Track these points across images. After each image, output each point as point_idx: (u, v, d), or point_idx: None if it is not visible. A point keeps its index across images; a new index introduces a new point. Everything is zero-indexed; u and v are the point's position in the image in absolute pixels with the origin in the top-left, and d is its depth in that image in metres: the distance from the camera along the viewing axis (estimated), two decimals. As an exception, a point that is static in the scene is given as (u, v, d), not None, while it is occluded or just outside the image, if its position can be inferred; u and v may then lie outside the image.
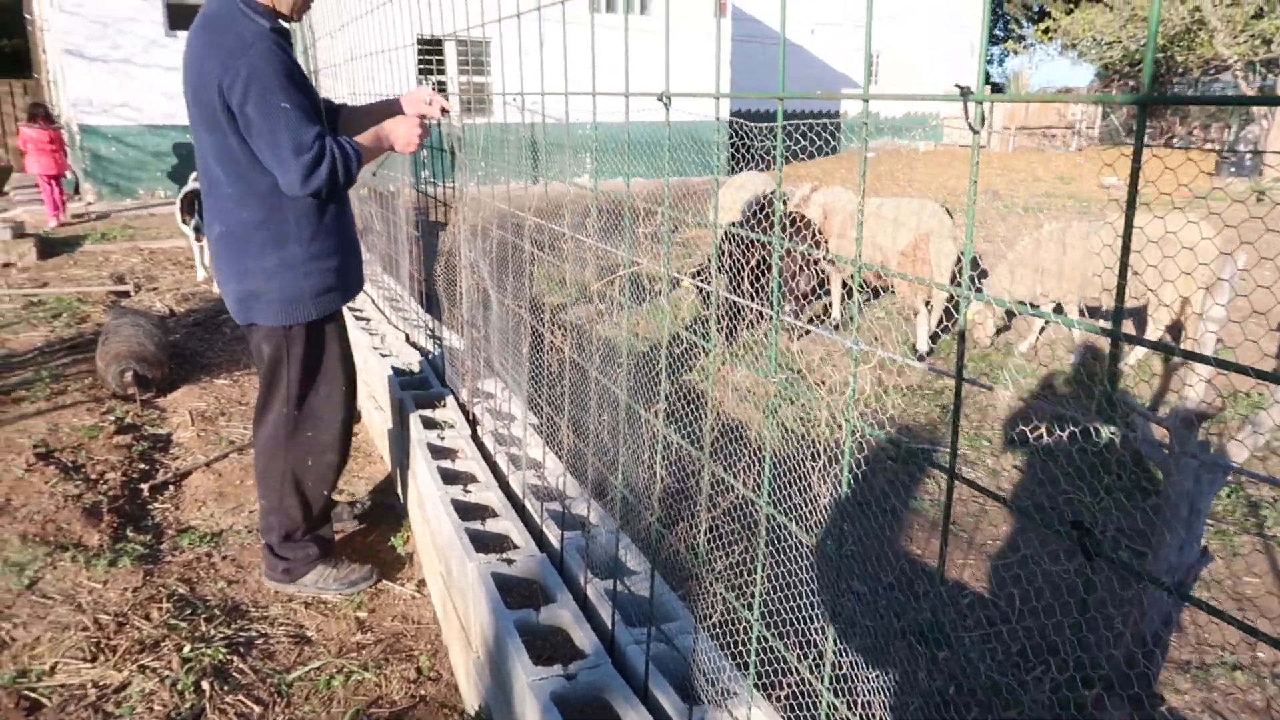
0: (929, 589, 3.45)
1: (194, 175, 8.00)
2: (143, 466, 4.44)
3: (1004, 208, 13.88)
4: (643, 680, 2.01)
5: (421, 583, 3.44)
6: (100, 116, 13.25)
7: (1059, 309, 6.61)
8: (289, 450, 3.22)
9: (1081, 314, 6.56)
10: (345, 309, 5.66)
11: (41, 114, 12.40)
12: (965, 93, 1.00)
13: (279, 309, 3.00)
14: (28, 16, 23.23)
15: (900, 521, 4.06)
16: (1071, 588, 3.46)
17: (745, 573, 2.43)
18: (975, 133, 1.00)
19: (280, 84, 2.70)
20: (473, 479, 3.18)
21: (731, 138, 16.26)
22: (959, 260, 6.80)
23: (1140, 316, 6.74)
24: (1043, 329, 6.99)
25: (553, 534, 2.67)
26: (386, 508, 4.05)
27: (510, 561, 2.50)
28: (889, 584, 3.47)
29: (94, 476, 4.25)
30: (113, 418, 5.02)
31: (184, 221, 8.48)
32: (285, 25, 2.92)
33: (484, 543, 2.73)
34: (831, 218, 7.03)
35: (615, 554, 2.36)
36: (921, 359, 6.51)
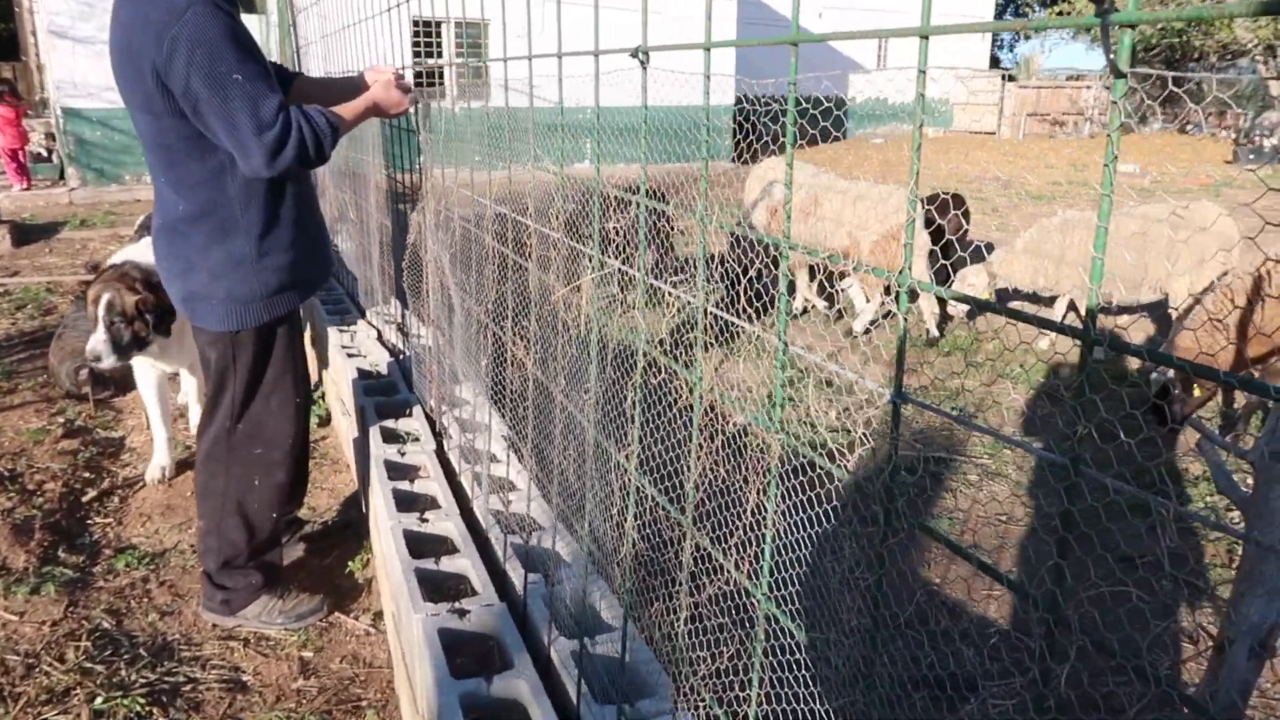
0: (950, 627, 3.06)
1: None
2: (87, 475, 4.06)
3: (1015, 196, 13.43)
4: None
5: (378, 615, 3.06)
6: (85, 100, 12.83)
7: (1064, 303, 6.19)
8: (230, 467, 2.83)
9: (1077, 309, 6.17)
10: (315, 300, 5.27)
11: (7, 91, 12.73)
12: (1105, 10, 0.62)
13: (225, 312, 2.61)
14: (17, -3, 22.75)
15: (914, 544, 3.67)
16: (1119, 623, 3.07)
17: (740, 684, 2.02)
18: (1121, 76, 0.62)
19: (227, 50, 2.26)
20: (433, 504, 2.80)
21: (738, 123, 15.84)
22: (935, 252, 6.50)
23: (1160, 312, 6.31)
24: (1061, 320, 6.58)
25: (516, 575, 2.28)
26: (348, 525, 3.67)
27: (464, 613, 2.11)
28: (904, 622, 3.08)
29: (31, 487, 3.88)
30: (62, 420, 4.65)
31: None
32: None
33: (438, 584, 2.34)
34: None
35: (584, 607, 1.97)
36: (856, 337, 6.32)
